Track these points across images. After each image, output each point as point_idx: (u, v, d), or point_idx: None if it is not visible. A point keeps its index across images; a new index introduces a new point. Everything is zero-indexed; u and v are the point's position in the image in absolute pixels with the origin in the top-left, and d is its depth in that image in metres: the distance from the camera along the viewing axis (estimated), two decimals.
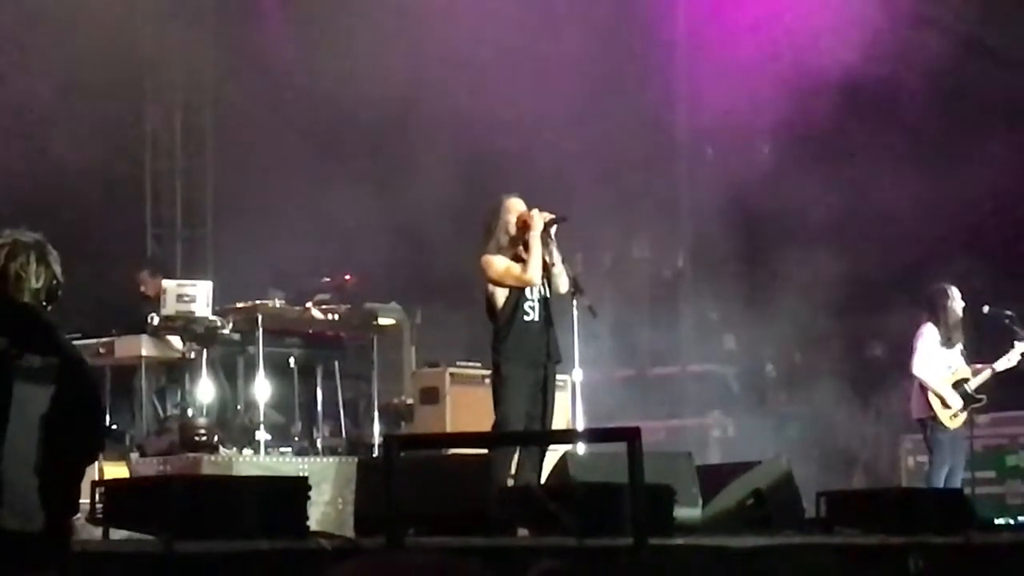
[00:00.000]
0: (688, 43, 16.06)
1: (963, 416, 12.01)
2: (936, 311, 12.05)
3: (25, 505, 5.28)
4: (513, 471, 9.76)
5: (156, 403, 12.03)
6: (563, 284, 10.19)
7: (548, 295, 10.11)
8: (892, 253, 15.28)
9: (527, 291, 10.04)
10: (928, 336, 12.04)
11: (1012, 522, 11.82)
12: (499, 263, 10.03)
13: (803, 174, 15.15)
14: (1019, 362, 12.15)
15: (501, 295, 10.02)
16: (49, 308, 5.67)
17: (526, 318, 10.01)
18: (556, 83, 16.36)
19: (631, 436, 5.23)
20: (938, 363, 12.02)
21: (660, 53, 15.99)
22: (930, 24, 14.78)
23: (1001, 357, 12.14)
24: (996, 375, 12.16)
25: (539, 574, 5.49)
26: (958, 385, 12.02)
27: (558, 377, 11.09)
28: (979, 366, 12.14)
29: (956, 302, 12.07)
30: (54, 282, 5.64)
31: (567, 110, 16.27)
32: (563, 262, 10.28)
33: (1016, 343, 12.10)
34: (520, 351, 9.95)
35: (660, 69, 16.04)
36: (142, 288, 12.51)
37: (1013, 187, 15.20)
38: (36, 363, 5.38)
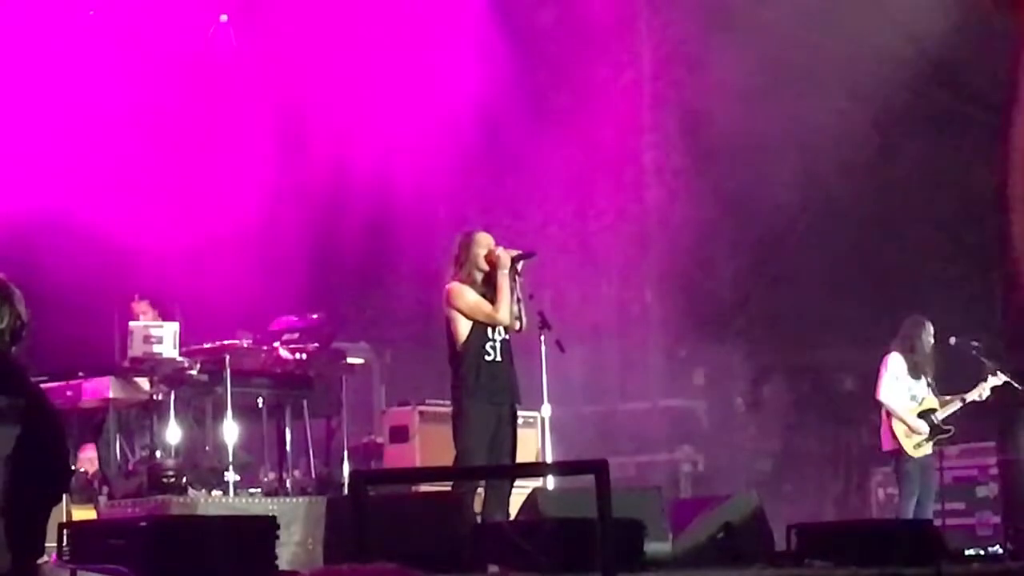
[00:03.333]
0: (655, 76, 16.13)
1: (928, 446, 12.00)
2: (907, 341, 12.08)
3: None
4: (479, 508, 9.71)
5: (124, 445, 11.94)
6: (521, 323, 10.13)
7: (508, 337, 10.05)
8: (862, 286, 15.32)
9: (490, 331, 9.97)
10: (893, 365, 12.06)
11: (982, 553, 11.80)
12: (470, 295, 9.95)
13: (773, 206, 15.20)
14: (988, 397, 12.17)
15: (464, 327, 9.92)
16: (14, 349, 5.64)
17: (487, 357, 9.92)
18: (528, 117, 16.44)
19: (599, 468, 5.22)
20: (902, 392, 12.03)
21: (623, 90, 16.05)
22: None
23: (970, 389, 12.16)
24: (965, 407, 12.16)
25: None
26: (925, 415, 12.03)
27: (527, 414, 11.06)
28: (948, 398, 12.14)
29: (928, 335, 12.11)
30: (18, 323, 5.62)
31: (534, 146, 16.33)
32: (530, 298, 10.24)
33: (989, 377, 12.11)
34: (481, 387, 9.85)
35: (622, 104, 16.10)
36: (141, 317, 12.24)
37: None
38: (1, 404, 5.35)
